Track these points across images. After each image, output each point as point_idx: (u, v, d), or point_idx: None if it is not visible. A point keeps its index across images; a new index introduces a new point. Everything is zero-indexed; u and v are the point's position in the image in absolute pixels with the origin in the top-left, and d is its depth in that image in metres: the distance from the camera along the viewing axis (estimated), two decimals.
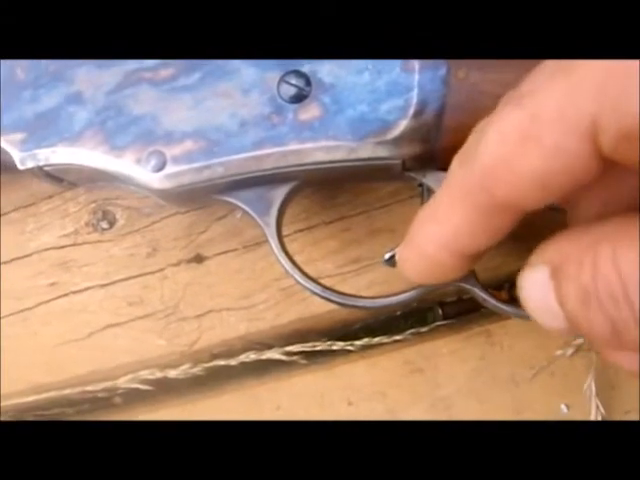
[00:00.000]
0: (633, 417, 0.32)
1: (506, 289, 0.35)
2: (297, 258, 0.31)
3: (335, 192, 0.34)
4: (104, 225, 0.34)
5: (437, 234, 0.25)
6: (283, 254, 0.30)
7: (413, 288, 0.30)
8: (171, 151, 0.29)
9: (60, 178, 0.33)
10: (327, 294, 0.30)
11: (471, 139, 0.23)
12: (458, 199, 0.23)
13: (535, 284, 0.24)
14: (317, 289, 0.30)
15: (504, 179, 0.21)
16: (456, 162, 0.24)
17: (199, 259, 0.34)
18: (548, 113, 0.20)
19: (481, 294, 0.29)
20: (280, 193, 0.30)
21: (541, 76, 0.21)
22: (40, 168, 0.31)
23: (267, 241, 0.30)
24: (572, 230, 0.24)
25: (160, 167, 0.29)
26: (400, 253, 0.27)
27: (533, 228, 0.33)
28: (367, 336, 0.34)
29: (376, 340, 0.34)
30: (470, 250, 0.25)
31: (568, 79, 0.20)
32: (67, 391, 0.34)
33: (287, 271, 0.30)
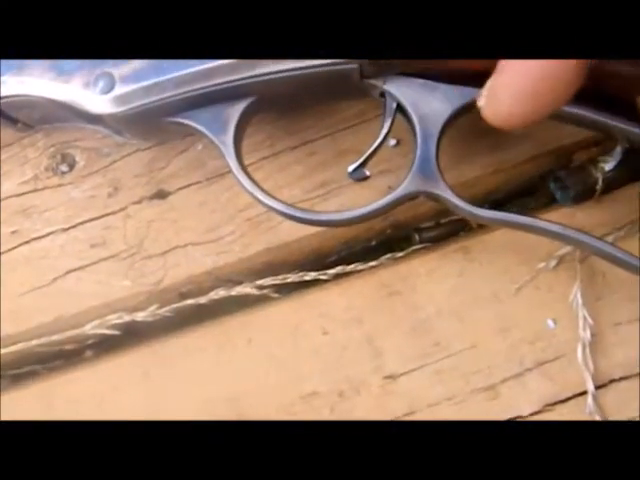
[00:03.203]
0: (624, 329, 0.30)
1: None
2: (263, 186, 0.30)
3: (299, 117, 0.32)
4: (64, 168, 0.33)
5: None
6: (242, 173, 0.29)
7: (382, 198, 0.28)
8: (119, 71, 0.28)
9: (14, 118, 0.32)
10: (290, 211, 0.29)
11: None
12: None
13: None
14: (280, 206, 0.29)
15: None
16: None
17: (162, 195, 0.33)
18: None
19: (453, 199, 0.28)
20: (236, 110, 0.29)
21: None
22: None
23: (227, 164, 0.28)
24: None
25: (109, 89, 0.28)
26: (493, 81, 0.25)
27: (510, 137, 0.32)
28: (341, 265, 0.32)
29: (350, 267, 0.32)
30: None
31: None
32: (34, 342, 0.33)
33: (247, 190, 0.29)
